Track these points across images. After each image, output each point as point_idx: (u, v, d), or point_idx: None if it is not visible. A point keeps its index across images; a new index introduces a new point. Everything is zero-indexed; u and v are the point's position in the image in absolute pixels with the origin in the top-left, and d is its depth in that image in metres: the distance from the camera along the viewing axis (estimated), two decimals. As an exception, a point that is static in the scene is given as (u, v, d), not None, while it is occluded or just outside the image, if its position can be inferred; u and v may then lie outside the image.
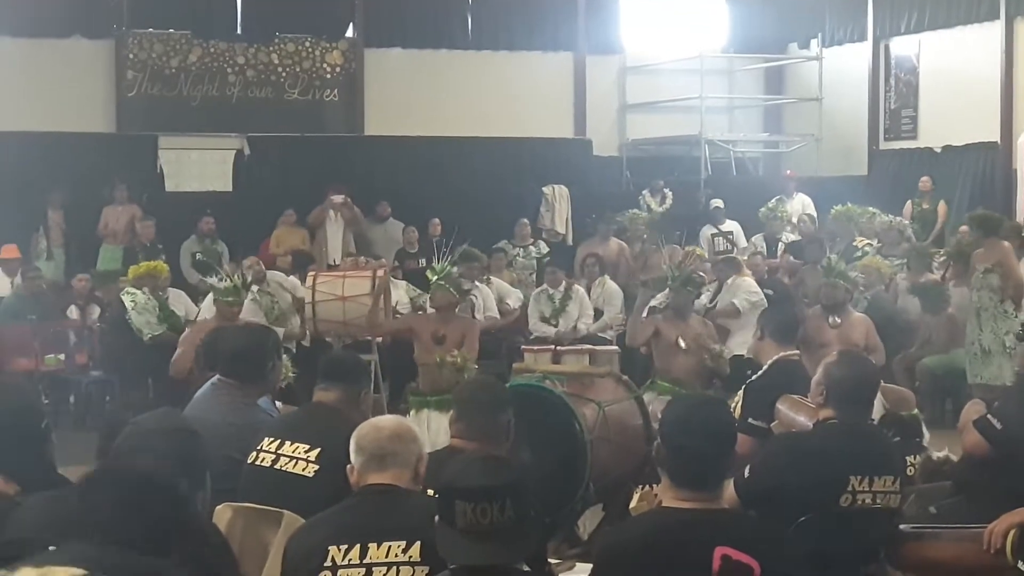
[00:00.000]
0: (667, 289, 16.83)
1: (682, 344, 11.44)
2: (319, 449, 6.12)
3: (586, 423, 7.67)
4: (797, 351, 8.06)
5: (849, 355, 6.52)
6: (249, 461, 6.31)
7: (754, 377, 7.98)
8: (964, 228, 16.83)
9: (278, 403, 8.09)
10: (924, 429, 11.47)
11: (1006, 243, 14.77)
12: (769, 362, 7.98)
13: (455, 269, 12.50)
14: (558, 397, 7.67)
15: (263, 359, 7.00)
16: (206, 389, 7.04)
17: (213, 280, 12.98)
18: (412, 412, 11.50)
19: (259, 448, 6.28)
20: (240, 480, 6.34)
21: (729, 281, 16.29)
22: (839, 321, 11.80)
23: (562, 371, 8.56)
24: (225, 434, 6.58)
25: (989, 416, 6.95)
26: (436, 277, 12.04)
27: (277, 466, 6.18)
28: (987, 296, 14.44)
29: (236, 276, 14.04)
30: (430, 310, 12.65)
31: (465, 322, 12.09)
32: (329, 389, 6.43)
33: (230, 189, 22.17)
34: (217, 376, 7.01)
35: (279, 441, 6.24)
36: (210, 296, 16.47)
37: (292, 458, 6.15)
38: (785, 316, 8.41)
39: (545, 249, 20.07)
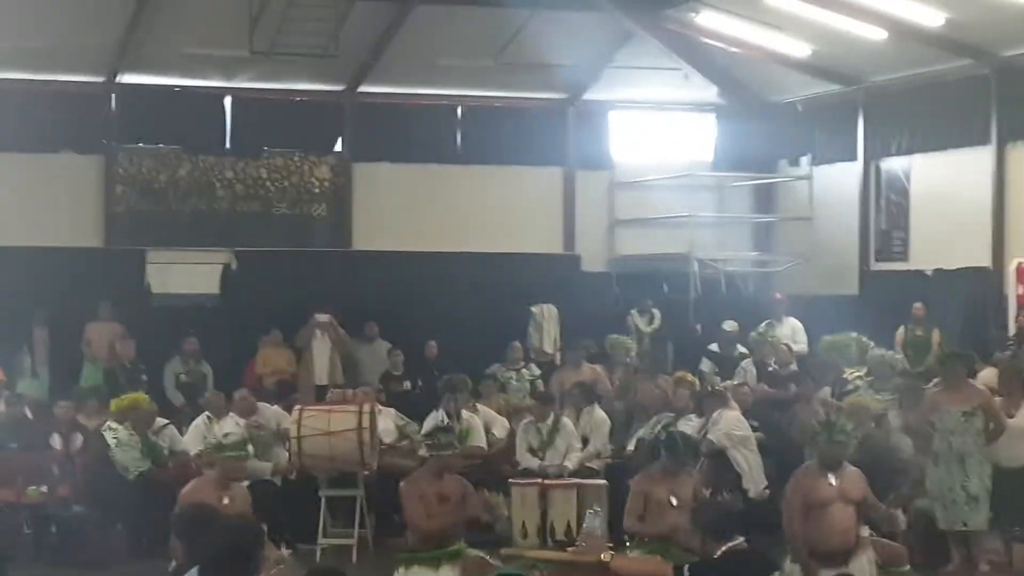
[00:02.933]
0: (653, 420, 16.80)
1: (674, 502, 11.23)
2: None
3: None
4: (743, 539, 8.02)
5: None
6: None
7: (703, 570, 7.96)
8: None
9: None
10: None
11: (983, 387, 14.71)
12: (718, 554, 7.94)
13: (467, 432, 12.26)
14: (546, 589, 7.51)
15: (246, 560, 6.82)
16: (189, 594, 6.86)
17: (216, 440, 12.65)
18: (401, 569, 11.28)
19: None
20: None
21: (715, 415, 16.14)
22: (837, 481, 11.54)
23: (549, 559, 8.39)
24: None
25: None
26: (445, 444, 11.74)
27: None
28: (971, 440, 14.26)
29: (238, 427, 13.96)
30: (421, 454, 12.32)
31: (458, 482, 11.81)
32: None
33: (217, 291, 21.95)
34: (198, 576, 6.83)
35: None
36: (195, 424, 16.42)
37: None
38: (719, 514, 8.32)
39: (537, 372, 19.81)
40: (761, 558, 8.11)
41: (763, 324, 20.68)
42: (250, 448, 12.08)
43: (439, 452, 11.72)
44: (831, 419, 12.12)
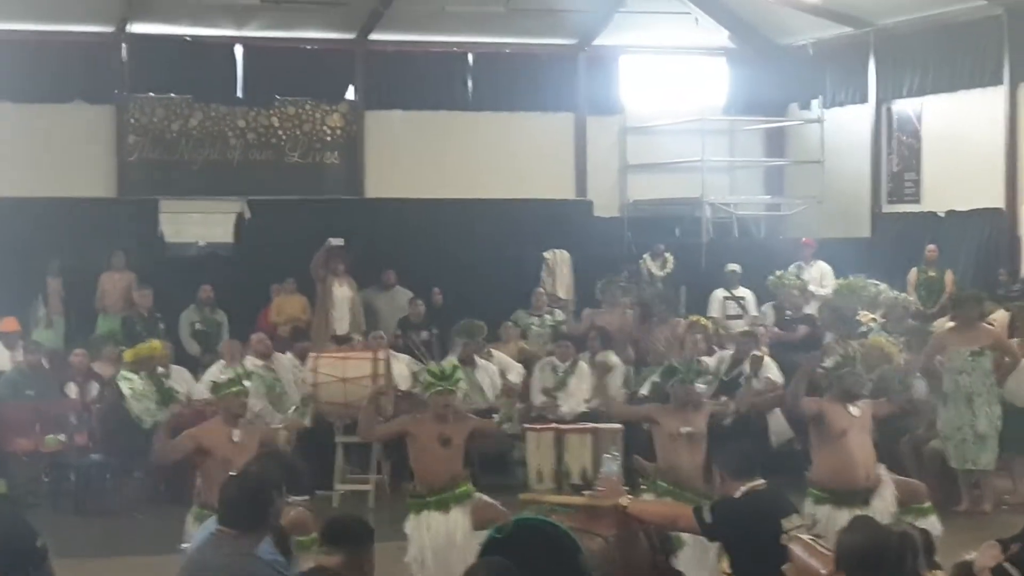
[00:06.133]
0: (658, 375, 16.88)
1: (683, 430, 11.30)
2: (319, 617, 6.01)
3: (592, 559, 7.55)
4: (763, 481, 8.03)
5: (864, 521, 6.35)
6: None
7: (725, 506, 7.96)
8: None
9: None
10: (937, 523, 11.31)
11: (993, 327, 14.83)
12: (738, 494, 7.95)
13: (456, 366, 12.22)
14: (564, 533, 7.55)
15: (264, 506, 6.80)
16: (206, 539, 6.90)
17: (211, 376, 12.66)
18: (411, 515, 11.28)
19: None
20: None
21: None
22: (858, 412, 11.57)
23: (567, 503, 8.44)
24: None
25: (1006, 564, 6.81)
26: (433, 383, 11.53)
27: (276, 633, 6.07)
28: (980, 380, 14.40)
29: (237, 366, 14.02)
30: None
31: (467, 420, 11.75)
32: (332, 553, 6.29)
33: (231, 240, 22.04)
34: (216, 526, 6.86)
35: (278, 608, 6.13)
36: (209, 372, 16.51)
37: (291, 625, 6.04)
38: (740, 454, 8.32)
39: (561, 317, 19.82)
40: (782, 498, 8.14)
41: (793, 266, 20.53)
42: (247, 383, 11.97)
43: (431, 391, 11.55)
44: (851, 353, 12.16)
